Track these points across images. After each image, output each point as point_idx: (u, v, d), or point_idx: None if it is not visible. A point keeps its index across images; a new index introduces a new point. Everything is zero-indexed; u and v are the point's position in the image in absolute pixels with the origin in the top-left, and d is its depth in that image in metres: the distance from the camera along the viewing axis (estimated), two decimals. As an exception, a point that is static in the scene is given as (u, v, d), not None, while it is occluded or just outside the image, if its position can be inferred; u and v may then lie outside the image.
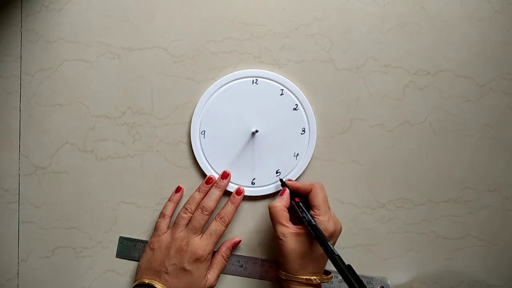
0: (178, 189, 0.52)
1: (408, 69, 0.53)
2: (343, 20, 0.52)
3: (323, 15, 0.52)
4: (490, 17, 0.52)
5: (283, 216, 0.47)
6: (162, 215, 0.51)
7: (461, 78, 0.53)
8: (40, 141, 0.53)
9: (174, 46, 0.52)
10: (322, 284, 0.47)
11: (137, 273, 0.50)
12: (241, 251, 0.53)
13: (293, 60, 0.52)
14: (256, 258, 0.53)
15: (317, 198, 0.47)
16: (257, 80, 0.52)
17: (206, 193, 0.51)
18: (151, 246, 0.50)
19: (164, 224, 0.51)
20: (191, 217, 0.50)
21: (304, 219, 0.46)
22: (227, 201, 0.51)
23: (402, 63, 0.53)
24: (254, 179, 0.52)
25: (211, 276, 0.49)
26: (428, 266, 0.53)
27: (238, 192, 0.51)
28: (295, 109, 0.52)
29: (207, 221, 0.50)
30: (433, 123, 0.53)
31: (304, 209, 0.47)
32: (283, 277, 0.47)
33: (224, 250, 0.51)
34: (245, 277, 0.52)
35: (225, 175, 0.51)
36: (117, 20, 0.52)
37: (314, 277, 0.45)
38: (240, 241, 0.52)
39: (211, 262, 0.50)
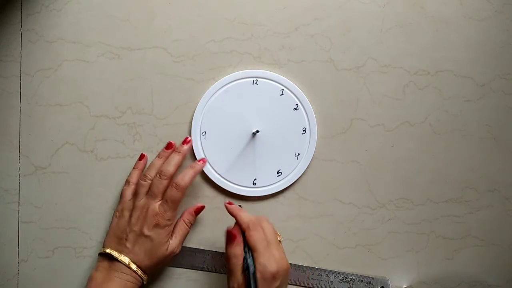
0: (142, 156, 0.52)
1: (408, 69, 0.53)
2: (343, 20, 0.52)
3: (323, 15, 0.52)
4: (490, 17, 0.52)
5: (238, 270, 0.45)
6: (127, 182, 0.51)
7: (461, 78, 0.53)
8: (40, 141, 0.53)
9: (174, 46, 0.52)
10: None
11: (104, 241, 0.50)
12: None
13: (293, 60, 0.52)
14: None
15: (251, 241, 0.45)
16: (257, 80, 0.52)
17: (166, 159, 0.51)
18: (116, 214, 0.50)
19: (129, 191, 0.50)
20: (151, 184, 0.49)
21: (246, 270, 0.44)
22: (188, 166, 0.50)
23: (402, 63, 0.53)
24: (255, 179, 0.52)
25: (173, 241, 0.49)
26: (428, 266, 0.53)
27: (200, 160, 0.51)
28: (295, 109, 0.52)
29: (166, 186, 0.49)
30: (433, 123, 0.53)
31: (248, 257, 0.45)
32: None
33: (186, 215, 0.51)
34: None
35: (186, 141, 0.51)
36: (117, 20, 0.52)
37: None
38: (203, 206, 0.51)
39: (174, 228, 0.50)
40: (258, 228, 0.46)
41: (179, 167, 0.50)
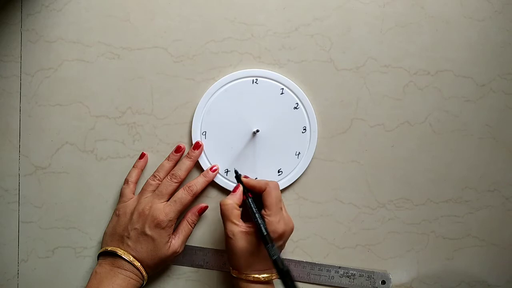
0: (142, 155, 0.52)
1: (408, 69, 0.53)
2: (343, 20, 0.52)
3: (323, 15, 0.52)
4: (490, 17, 0.52)
5: (234, 213, 0.47)
6: (126, 181, 0.52)
7: (461, 78, 0.53)
8: (40, 141, 0.53)
9: (174, 46, 0.52)
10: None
11: (103, 240, 0.50)
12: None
13: (293, 60, 0.52)
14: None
15: (270, 198, 0.46)
16: (257, 79, 0.52)
17: (176, 163, 0.51)
18: (117, 213, 0.50)
19: (128, 190, 0.51)
20: (159, 184, 0.50)
21: (254, 218, 0.46)
22: (200, 174, 0.52)
23: (402, 63, 0.53)
24: (256, 178, 0.52)
25: (175, 241, 0.49)
26: (428, 266, 0.53)
27: (213, 169, 0.51)
28: (295, 108, 0.52)
29: (175, 189, 0.50)
30: (433, 123, 0.53)
31: (254, 208, 0.46)
32: (233, 275, 0.47)
33: (189, 215, 0.51)
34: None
35: (197, 146, 0.51)
36: (117, 20, 0.52)
37: (263, 275, 0.46)
38: (207, 206, 0.52)
39: (177, 228, 0.50)
40: (277, 189, 0.47)
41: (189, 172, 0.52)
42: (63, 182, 0.53)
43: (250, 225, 0.46)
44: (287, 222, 0.47)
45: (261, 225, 0.45)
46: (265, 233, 0.44)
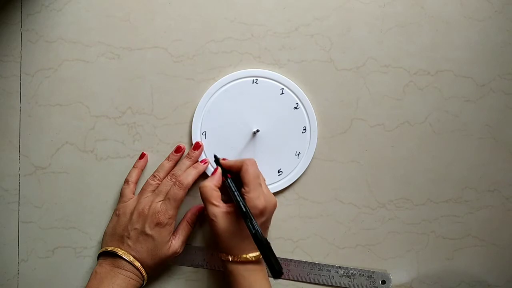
0: (142, 155, 0.52)
1: (408, 69, 0.53)
2: (343, 20, 0.52)
3: (323, 15, 0.52)
4: (490, 17, 0.52)
5: (213, 195, 0.46)
6: (126, 181, 0.51)
7: (461, 78, 0.53)
8: (40, 141, 0.53)
9: (174, 46, 0.52)
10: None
11: (103, 240, 0.50)
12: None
13: (293, 60, 0.52)
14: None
15: (247, 175, 0.46)
16: (257, 79, 0.52)
17: (176, 163, 0.51)
18: (117, 213, 0.50)
19: (128, 190, 0.51)
20: (159, 184, 0.50)
21: (233, 197, 0.46)
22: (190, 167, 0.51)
23: (402, 63, 0.53)
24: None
25: (175, 241, 0.49)
26: (428, 266, 0.53)
27: (204, 161, 0.51)
28: (295, 108, 0.52)
29: None
30: (433, 123, 0.53)
31: (233, 186, 0.46)
32: (222, 258, 0.46)
33: (189, 216, 0.51)
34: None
35: (197, 146, 0.51)
36: (117, 20, 0.52)
37: (250, 255, 0.45)
38: None
39: (177, 228, 0.50)
40: (254, 166, 0.47)
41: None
42: (63, 182, 0.53)
43: (230, 205, 0.46)
44: (268, 198, 0.46)
45: (240, 202, 0.44)
46: (244, 209, 0.43)
